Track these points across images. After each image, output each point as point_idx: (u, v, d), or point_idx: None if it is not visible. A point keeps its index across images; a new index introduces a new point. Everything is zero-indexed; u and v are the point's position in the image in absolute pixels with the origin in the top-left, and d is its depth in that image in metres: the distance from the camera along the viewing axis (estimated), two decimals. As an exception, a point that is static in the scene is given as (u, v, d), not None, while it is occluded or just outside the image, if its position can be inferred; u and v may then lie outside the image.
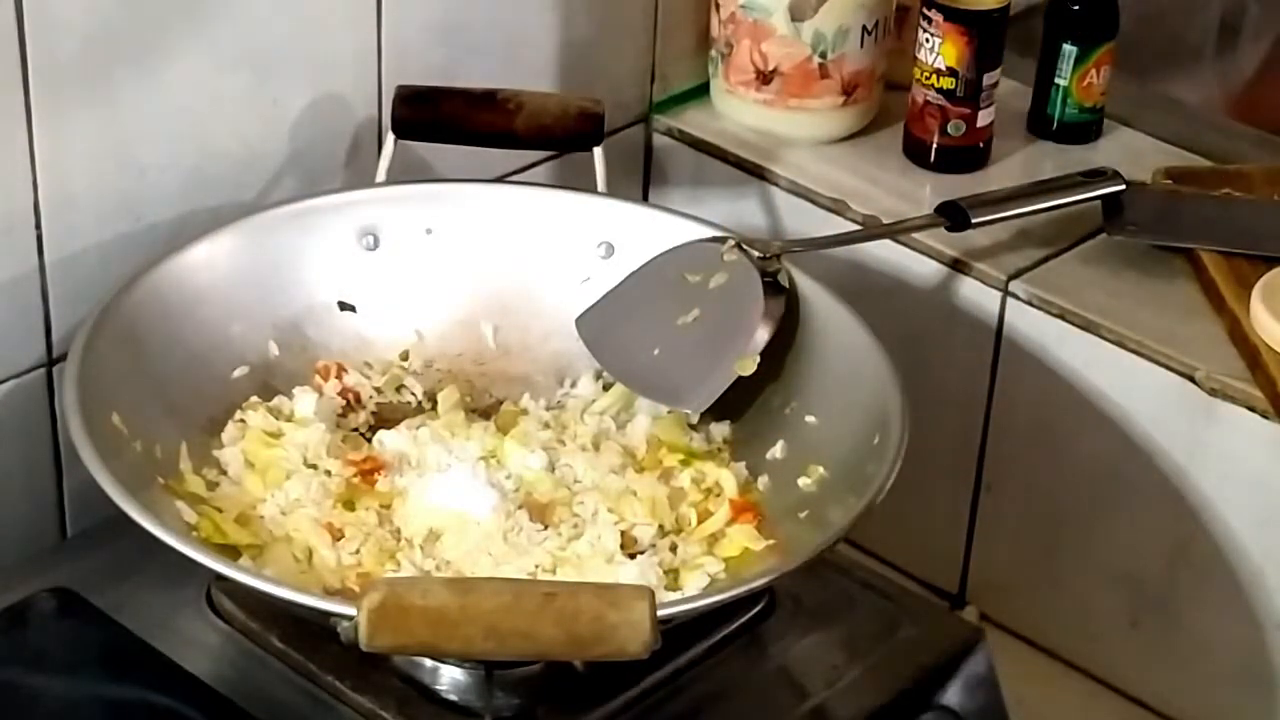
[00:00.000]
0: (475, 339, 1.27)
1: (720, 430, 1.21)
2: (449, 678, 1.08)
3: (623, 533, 1.13)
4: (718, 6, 1.47)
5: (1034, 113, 1.48)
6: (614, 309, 1.25)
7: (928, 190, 1.41)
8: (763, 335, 1.18)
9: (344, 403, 1.21)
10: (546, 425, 1.22)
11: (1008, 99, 1.46)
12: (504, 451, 1.18)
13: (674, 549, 1.13)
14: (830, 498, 1.12)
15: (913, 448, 1.09)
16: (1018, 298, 1.31)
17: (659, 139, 1.51)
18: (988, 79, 1.41)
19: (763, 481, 1.17)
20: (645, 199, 1.51)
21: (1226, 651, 1.28)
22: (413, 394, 1.24)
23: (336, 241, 1.25)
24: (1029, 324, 1.30)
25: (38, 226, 1.18)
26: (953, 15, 1.40)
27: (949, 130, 1.42)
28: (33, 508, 1.24)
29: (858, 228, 1.38)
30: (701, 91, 1.52)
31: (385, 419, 1.22)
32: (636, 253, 1.25)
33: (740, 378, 1.18)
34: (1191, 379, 1.23)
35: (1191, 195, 1.39)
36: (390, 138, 1.27)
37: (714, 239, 1.24)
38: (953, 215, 1.32)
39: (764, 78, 1.46)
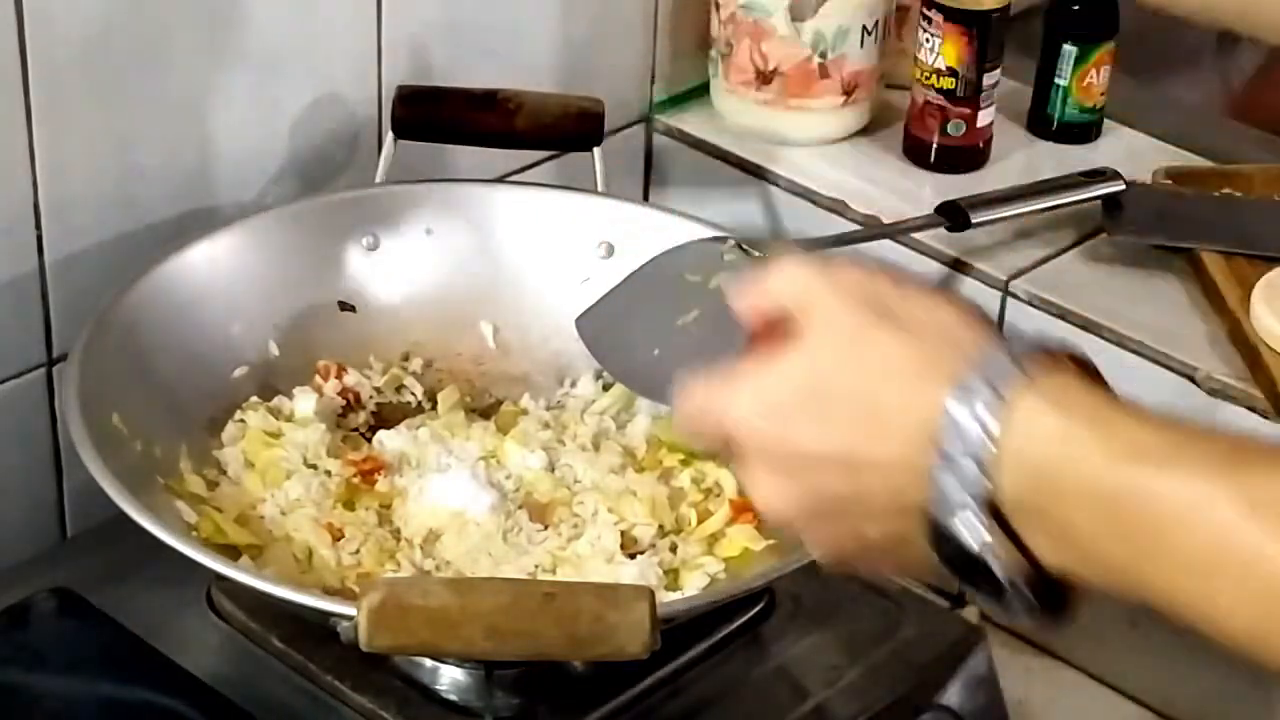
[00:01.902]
0: (475, 339, 1.27)
1: (720, 430, 1.21)
2: (449, 678, 1.08)
3: (623, 533, 1.12)
4: (718, 6, 1.47)
5: (1034, 113, 1.48)
6: (614, 309, 1.24)
7: (928, 190, 1.41)
8: (763, 335, 1.18)
9: (344, 403, 1.21)
10: (546, 425, 1.22)
11: (1008, 99, 1.46)
12: (504, 451, 1.18)
13: (674, 549, 1.13)
14: (830, 498, 1.12)
15: (913, 448, 1.08)
16: (1018, 298, 1.31)
17: (659, 139, 1.51)
18: (988, 79, 1.41)
19: (763, 481, 1.17)
20: (645, 199, 1.51)
21: (1227, 651, 1.28)
22: (413, 394, 1.24)
23: (336, 241, 1.25)
24: (1029, 324, 1.30)
25: (38, 226, 1.18)
26: (953, 15, 1.40)
27: (949, 130, 1.42)
28: (33, 508, 1.23)
29: (858, 228, 1.38)
30: (701, 91, 1.52)
31: (385, 419, 1.22)
32: (636, 253, 1.25)
33: (740, 378, 1.18)
34: (1191, 379, 1.23)
35: (1191, 195, 1.39)
36: (390, 138, 1.27)
37: (714, 239, 1.24)
38: (953, 215, 1.32)
39: (764, 78, 1.46)
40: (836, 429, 0.73)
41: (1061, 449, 0.68)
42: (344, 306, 1.25)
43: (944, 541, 0.70)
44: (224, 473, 1.15)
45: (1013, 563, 0.69)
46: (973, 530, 0.69)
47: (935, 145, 1.43)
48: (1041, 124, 1.48)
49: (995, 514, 0.69)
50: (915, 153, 1.45)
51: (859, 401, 0.72)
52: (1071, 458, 0.68)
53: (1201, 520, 0.66)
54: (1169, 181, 1.41)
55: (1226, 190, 1.39)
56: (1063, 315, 1.29)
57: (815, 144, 1.47)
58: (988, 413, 0.69)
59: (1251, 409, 1.21)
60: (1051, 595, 0.71)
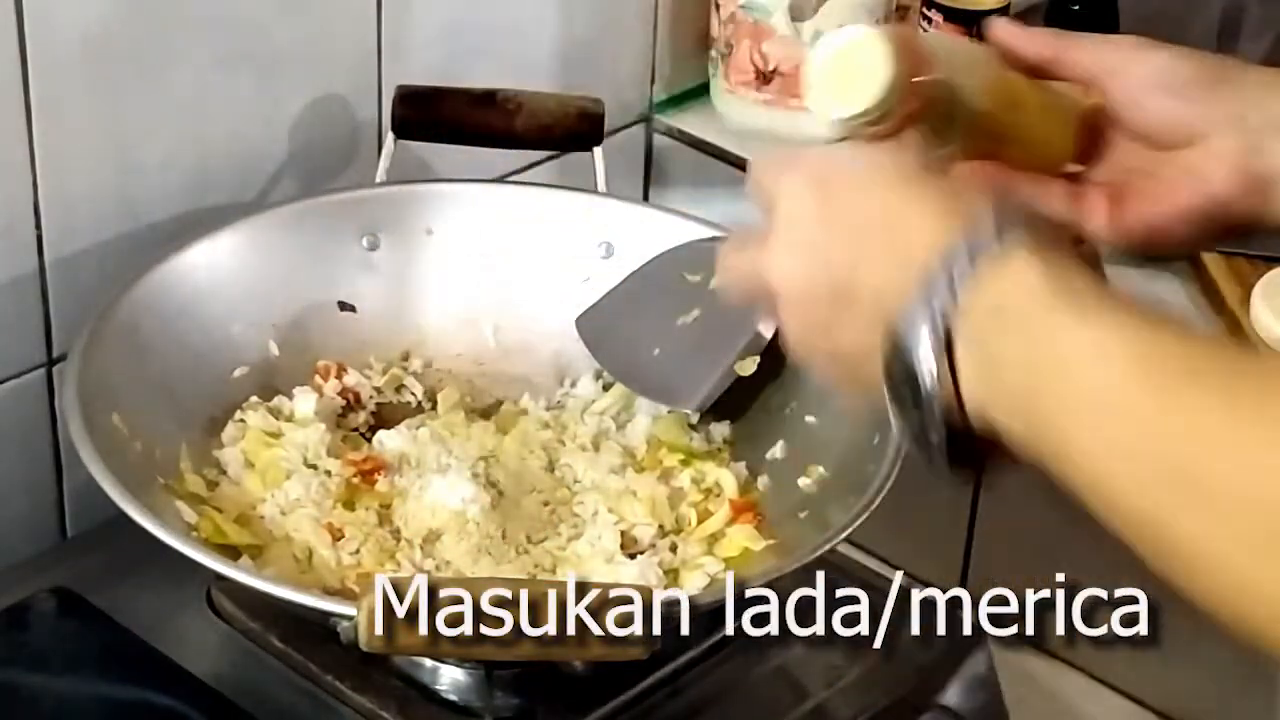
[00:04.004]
0: (475, 339, 1.27)
1: (720, 430, 1.21)
2: (449, 678, 1.08)
3: (623, 533, 1.13)
4: (718, 6, 1.47)
5: (1034, 113, 1.48)
6: (614, 309, 1.25)
7: (928, 190, 1.41)
8: (763, 335, 1.18)
9: (344, 403, 1.21)
10: (546, 425, 1.22)
11: (1008, 99, 1.46)
12: (504, 451, 1.18)
13: (674, 549, 1.13)
14: (830, 498, 1.12)
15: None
16: (1018, 298, 1.31)
17: (659, 139, 1.51)
18: (988, 79, 1.41)
19: (763, 481, 1.17)
20: (645, 199, 1.51)
21: (1226, 652, 1.28)
22: (413, 394, 1.24)
23: (336, 241, 1.25)
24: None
25: (38, 226, 1.18)
26: (953, 15, 1.40)
27: (949, 130, 1.42)
28: (33, 508, 1.24)
29: (858, 228, 1.38)
30: (701, 91, 1.52)
31: (385, 419, 1.22)
32: (636, 253, 1.25)
33: (740, 378, 1.18)
34: (1191, 379, 1.23)
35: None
36: (390, 138, 1.27)
37: (714, 239, 1.24)
38: (953, 215, 1.31)
39: (764, 78, 1.46)
40: (861, 230, 0.79)
41: (1016, 293, 0.73)
42: (344, 306, 1.25)
43: (896, 361, 0.75)
44: (224, 473, 1.15)
45: (943, 393, 0.74)
46: (924, 353, 0.74)
47: (935, 145, 1.43)
48: (1041, 124, 1.48)
49: (946, 344, 0.74)
50: (915, 153, 1.45)
51: (887, 215, 0.79)
52: (1020, 302, 0.72)
53: (1091, 359, 0.69)
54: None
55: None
56: (1063, 315, 1.28)
57: (815, 144, 1.46)
58: (980, 256, 0.73)
59: (1251, 409, 1.21)
60: (967, 452, 0.77)
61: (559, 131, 1.28)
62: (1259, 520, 0.63)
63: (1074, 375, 0.70)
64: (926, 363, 0.74)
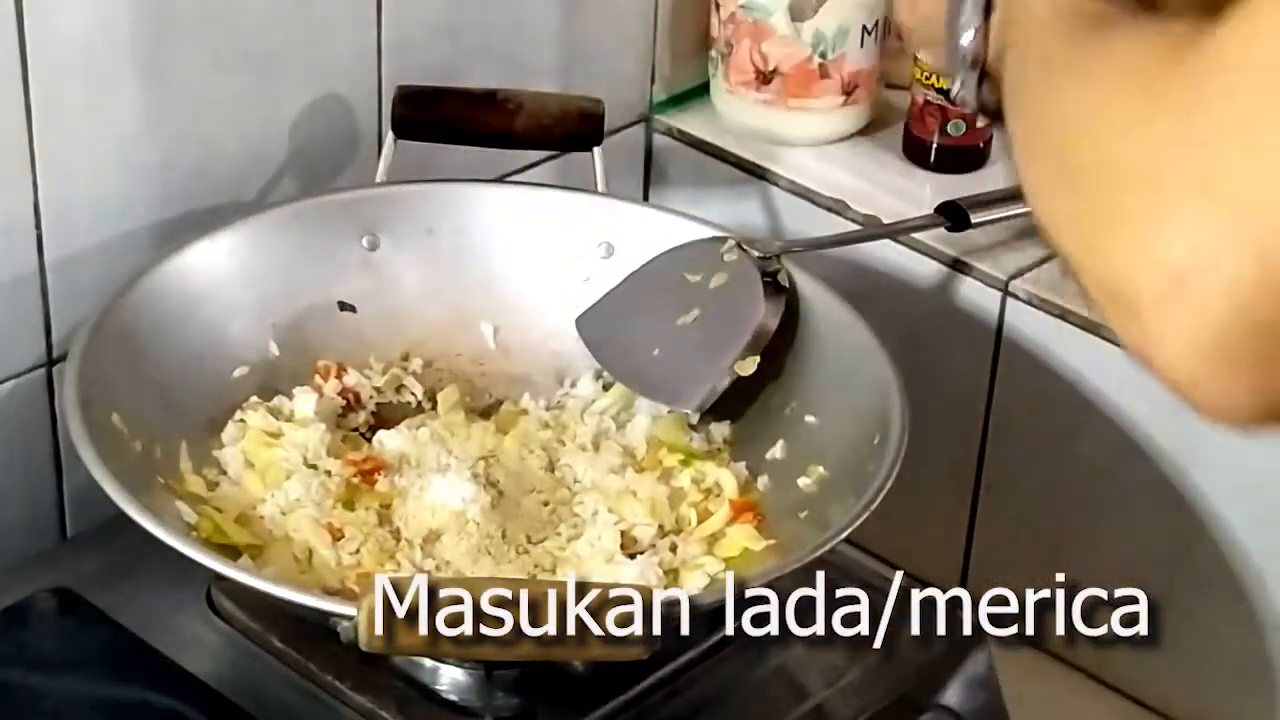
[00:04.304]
0: (475, 339, 1.27)
1: (720, 430, 1.21)
2: (449, 678, 1.08)
3: (623, 533, 1.13)
4: (718, 6, 1.47)
5: (1034, 113, 1.48)
6: (614, 309, 1.25)
7: (928, 190, 1.41)
8: (763, 335, 1.18)
9: (344, 403, 1.21)
10: (546, 425, 1.22)
11: (1008, 99, 1.46)
12: (504, 451, 1.18)
13: (674, 549, 1.13)
14: (830, 498, 1.12)
15: (913, 448, 1.09)
16: (1018, 298, 1.31)
17: (659, 139, 1.51)
18: (988, 79, 1.41)
19: (763, 481, 1.17)
20: (645, 199, 1.51)
21: (1227, 652, 1.28)
22: (413, 394, 1.24)
23: (336, 241, 1.25)
24: (1029, 324, 1.30)
25: (38, 226, 1.18)
26: None
27: (949, 130, 1.42)
28: (33, 508, 1.23)
29: (858, 228, 1.38)
30: (701, 91, 1.52)
31: (385, 419, 1.22)
32: (636, 253, 1.25)
33: (740, 378, 1.18)
34: (1191, 379, 1.23)
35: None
36: (390, 138, 1.27)
37: (714, 239, 1.24)
38: (953, 215, 1.32)
39: (764, 78, 1.46)
40: None
41: None
42: (344, 306, 1.25)
43: (950, 30, 0.87)
44: (224, 473, 1.15)
45: (973, 52, 0.87)
46: (966, 19, 0.86)
47: (935, 145, 1.43)
48: (1041, 124, 1.48)
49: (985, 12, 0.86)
50: (915, 153, 1.45)
51: None
52: None
53: (1036, 7, 0.79)
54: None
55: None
56: (1063, 315, 1.29)
57: (815, 144, 1.47)
58: None
59: (1251, 409, 1.21)
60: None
61: (559, 131, 1.28)
62: (1052, 158, 0.74)
63: (1024, 20, 0.81)
64: (968, 24, 0.87)
